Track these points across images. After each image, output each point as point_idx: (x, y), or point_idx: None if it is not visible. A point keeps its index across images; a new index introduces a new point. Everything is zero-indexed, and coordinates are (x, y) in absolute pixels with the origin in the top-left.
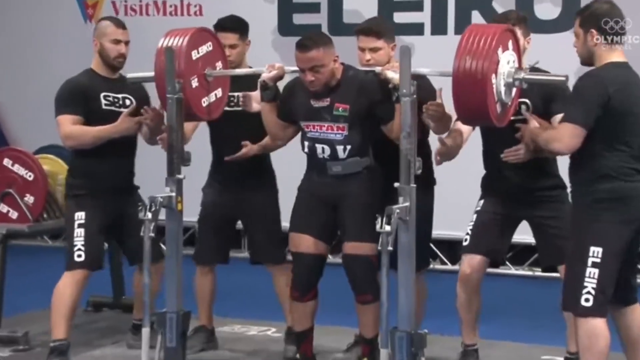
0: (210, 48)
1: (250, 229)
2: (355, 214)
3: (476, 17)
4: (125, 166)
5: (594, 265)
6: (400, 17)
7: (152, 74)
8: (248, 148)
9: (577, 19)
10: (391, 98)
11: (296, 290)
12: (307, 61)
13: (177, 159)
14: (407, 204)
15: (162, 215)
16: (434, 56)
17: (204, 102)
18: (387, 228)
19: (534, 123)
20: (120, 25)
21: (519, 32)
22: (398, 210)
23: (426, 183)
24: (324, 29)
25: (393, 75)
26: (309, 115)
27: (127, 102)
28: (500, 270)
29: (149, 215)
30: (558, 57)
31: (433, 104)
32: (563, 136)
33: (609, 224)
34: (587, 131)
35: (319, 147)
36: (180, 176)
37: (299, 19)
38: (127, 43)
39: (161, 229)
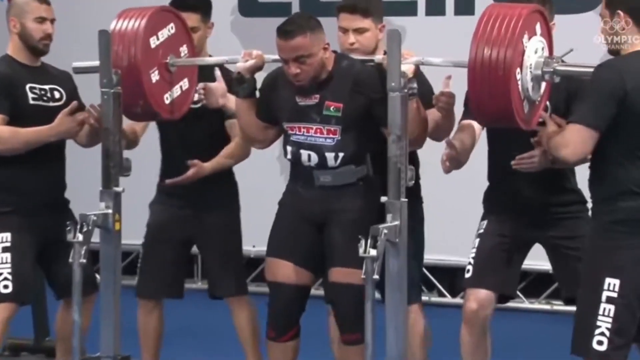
0: (173, 31)
1: (207, 256)
2: (345, 233)
3: None
4: (57, 177)
5: (609, 300)
6: None
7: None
8: (195, 170)
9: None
10: None
11: (273, 328)
12: (291, 50)
13: (115, 168)
14: (397, 222)
15: (96, 237)
16: (429, 41)
17: (166, 98)
18: (373, 252)
19: (553, 125)
20: (44, 0)
21: None
22: (386, 231)
23: (412, 199)
24: (295, 8)
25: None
26: (293, 115)
27: (56, 94)
28: (511, 304)
29: (80, 237)
30: (580, 43)
31: (445, 93)
32: (569, 141)
33: (629, 252)
34: (598, 134)
35: (304, 153)
36: (119, 189)
37: None
38: (52, 21)
39: (95, 253)
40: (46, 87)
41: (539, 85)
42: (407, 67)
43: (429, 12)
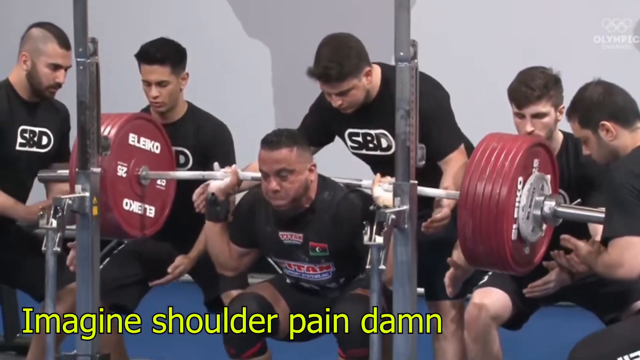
0: (157, 151)
1: (196, 271)
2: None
3: None
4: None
5: None
6: None
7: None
8: (182, 269)
9: (574, 120)
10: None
11: (231, 344)
12: (274, 162)
13: (92, 146)
14: (405, 206)
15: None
16: (445, 5)
17: (126, 203)
18: (379, 240)
19: (586, 248)
20: (65, 43)
21: (547, 105)
22: (393, 216)
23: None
24: None
25: (380, 194)
26: (280, 252)
27: (44, 139)
28: None
29: (54, 222)
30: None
31: (436, 219)
32: (621, 259)
33: None
34: None
35: (304, 284)
36: (96, 169)
37: None
38: (67, 69)
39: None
40: (37, 129)
41: (539, 225)
42: (382, 194)
43: None
